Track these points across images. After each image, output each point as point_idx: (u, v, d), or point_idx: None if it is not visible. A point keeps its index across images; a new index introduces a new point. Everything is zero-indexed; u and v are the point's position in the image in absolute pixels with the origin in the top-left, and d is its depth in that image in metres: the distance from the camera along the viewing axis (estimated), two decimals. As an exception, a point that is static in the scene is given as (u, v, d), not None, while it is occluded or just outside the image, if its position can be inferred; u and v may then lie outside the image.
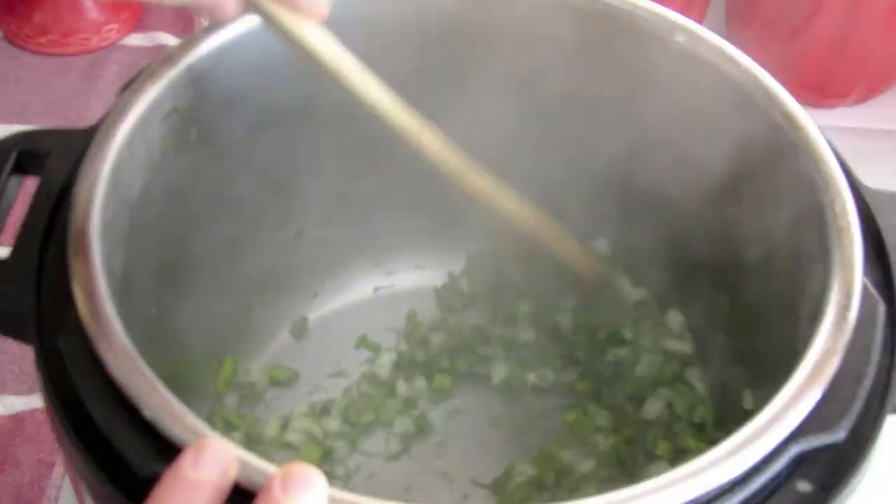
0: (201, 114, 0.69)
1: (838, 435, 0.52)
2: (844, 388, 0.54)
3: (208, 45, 0.69)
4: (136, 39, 1.21)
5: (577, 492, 0.77)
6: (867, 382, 0.55)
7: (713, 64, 0.70)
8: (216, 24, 0.67)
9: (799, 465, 0.53)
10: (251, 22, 0.69)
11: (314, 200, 0.83)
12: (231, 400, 0.82)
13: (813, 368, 0.53)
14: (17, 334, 0.61)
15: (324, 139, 0.79)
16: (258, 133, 0.75)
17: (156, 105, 0.65)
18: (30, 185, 0.66)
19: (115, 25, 1.20)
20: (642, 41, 0.72)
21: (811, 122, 0.65)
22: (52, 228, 0.62)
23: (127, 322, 0.54)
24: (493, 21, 0.76)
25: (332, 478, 0.71)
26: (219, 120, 0.72)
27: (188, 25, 1.24)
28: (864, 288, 0.58)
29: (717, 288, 0.78)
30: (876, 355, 0.56)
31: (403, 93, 0.68)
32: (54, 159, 0.66)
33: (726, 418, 0.77)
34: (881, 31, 1.03)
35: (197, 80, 0.68)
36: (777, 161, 0.66)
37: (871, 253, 0.61)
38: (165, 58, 0.67)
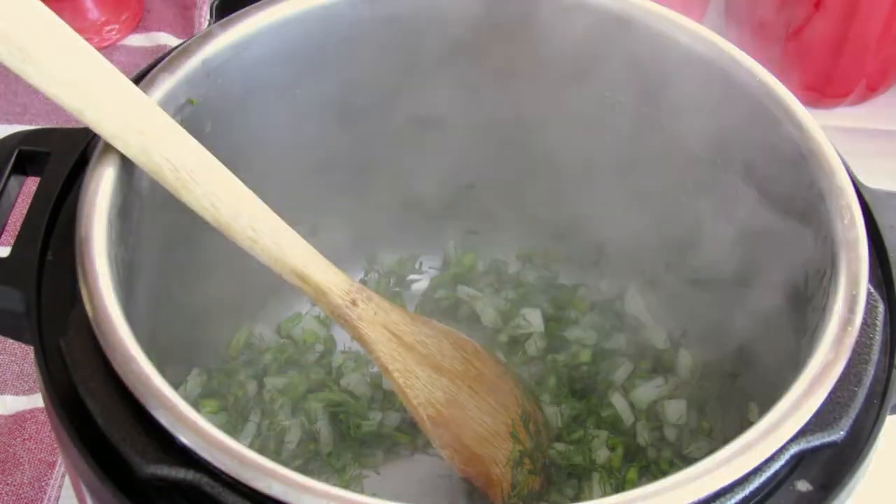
0: (217, 107, 0.69)
1: (838, 434, 0.52)
2: (844, 388, 0.54)
3: (225, 39, 0.68)
4: (136, 40, 1.21)
5: None
6: (867, 382, 0.55)
7: (722, 69, 0.69)
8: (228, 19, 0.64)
9: (798, 465, 0.53)
10: (270, 17, 0.69)
11: (330, 196, 0.82)
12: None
13: (813, 378, 0.53)
14: (17, 334, 0.61)
15: (341, 134, 0.78)
16: (274, 127, 0.74)
17: (170, 96, 0.65)
18: (30, 185, 0.66)
19: (116, 26, 1.20)
20: (648, 43, 0.72)
21: (822, 132, 0.64)
22: (52, 228, 0.62)
23: (135, 315, 0.54)
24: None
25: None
26: (234, 113, 0.71)
27: (189, 25, 1.24)
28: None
29: (722, 298, 0.77)
30: (876, 355, 0.56)
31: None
32: (54, 159, 0.66)
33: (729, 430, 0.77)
34: (881, 31, 1.03)
35: (212, 74, 0.67)
36: (787, 171, 0.65)
37: (871, 253, 0.60)
38: (181, 50, 0.67)
